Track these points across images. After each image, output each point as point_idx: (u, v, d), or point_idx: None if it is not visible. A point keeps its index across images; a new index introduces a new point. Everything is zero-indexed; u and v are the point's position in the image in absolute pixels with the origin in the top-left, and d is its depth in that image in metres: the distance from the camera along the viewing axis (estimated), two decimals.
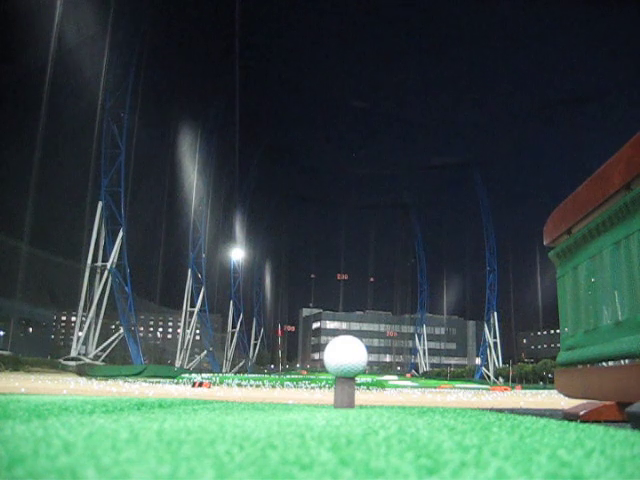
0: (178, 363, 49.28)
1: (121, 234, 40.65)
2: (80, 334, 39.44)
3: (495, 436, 1.00)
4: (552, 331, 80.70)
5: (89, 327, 39.77)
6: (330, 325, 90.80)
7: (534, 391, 23.71)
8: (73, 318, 48.70)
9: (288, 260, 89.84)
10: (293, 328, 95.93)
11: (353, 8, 64.60)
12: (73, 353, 38.29)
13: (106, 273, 40.34)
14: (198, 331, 56.81)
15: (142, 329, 62.18)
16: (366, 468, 0.58)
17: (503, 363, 64.54)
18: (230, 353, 61.86)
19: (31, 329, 58.94)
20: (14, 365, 28.55)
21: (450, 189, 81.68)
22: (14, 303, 40.03)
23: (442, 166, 75.01)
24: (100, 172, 40.33)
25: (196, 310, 52.36)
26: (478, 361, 71.55)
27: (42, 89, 35.33)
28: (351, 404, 2.96)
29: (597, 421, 2.46)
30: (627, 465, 0.66)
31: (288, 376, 37.92)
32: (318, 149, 78.88)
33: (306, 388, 16.20)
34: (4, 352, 32.54)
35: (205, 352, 56.05)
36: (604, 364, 2.66)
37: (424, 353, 79.55)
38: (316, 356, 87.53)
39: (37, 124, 34.56)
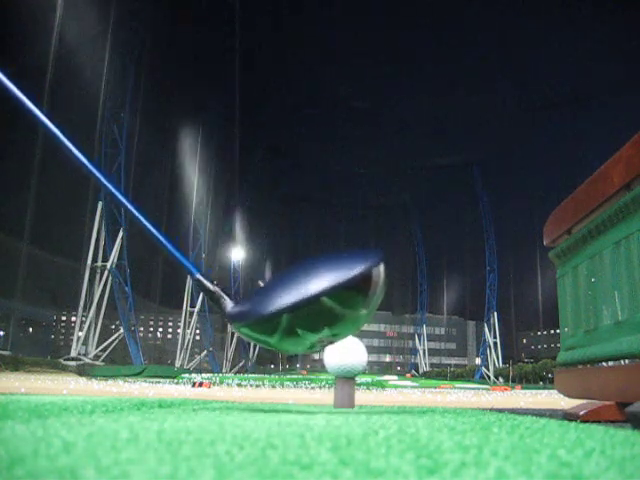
0: (178, 363, 49.26)
1: (121, 234, 40.66)
2: (80, 334, 39.45)
3: (495, 436, 1.00)
4: (552, 331, 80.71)
5: (89, 327, 39.77)
6: None
7: (534, 391, 23.70)
8: (73, 318, 48.69)
9: (288, 260, 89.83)
10: None
11: (354, 8, 64.67)
12: (73, 353, 38.30)
13: (106, 273, 40.35)
14: (198, 331, 56.80)
15: (142, 329, 62.23)
16: (366, 468, 0.58)
17: (503, 363, 64.52)
18: (230, 353, 61.84)
19: (31, 329, 58.95)
20: (14, 365, 28.54)
21: (450, 189, 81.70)
22: (14, 303, 40.03)
23: (442, 166, 75.05)
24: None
25: (196, 310, 52.35)
26: (478, 361, 71.53)
27: (43, 88, 35.34)
28: (351, 404, 2.96)
29: (597, 421, 2.46)
30: (627, 465, 0.66)
31: (288, 376, 37.95)
32: (319, 149, 78.94)
33: (306, 388, 16.20)
34: (4, 352, 32.52)
35: (205, 352, 56.04)
36: (604, 364, 2.66)
37: (424, 353, 79.48)
38: (316, 356, 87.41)
39: (37, 124, 34.52)
